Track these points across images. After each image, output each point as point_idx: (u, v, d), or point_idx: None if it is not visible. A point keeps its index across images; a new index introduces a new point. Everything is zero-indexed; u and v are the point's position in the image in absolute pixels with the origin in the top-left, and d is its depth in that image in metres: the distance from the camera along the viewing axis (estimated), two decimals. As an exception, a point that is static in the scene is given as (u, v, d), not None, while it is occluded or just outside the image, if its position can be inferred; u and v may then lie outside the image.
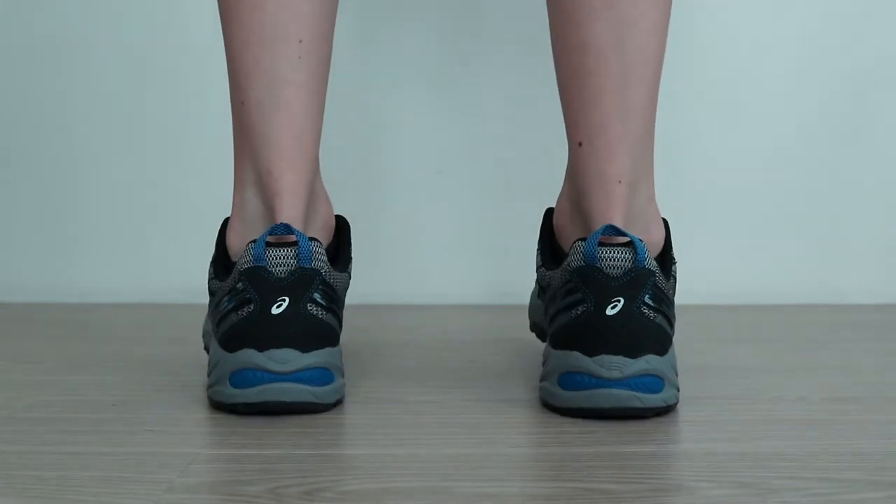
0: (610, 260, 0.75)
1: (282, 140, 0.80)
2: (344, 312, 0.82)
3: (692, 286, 1.27)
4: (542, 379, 0.78)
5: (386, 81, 1.32)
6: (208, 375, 0.79)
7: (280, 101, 0.80)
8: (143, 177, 1.34)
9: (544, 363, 0.79)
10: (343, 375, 0.79)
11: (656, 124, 0.82)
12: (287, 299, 0.76)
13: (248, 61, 0.80)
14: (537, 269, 0.85)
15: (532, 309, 0.93)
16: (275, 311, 0.76)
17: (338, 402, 0.78)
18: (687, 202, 1.32)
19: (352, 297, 0.87)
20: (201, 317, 0.96)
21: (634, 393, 0.73)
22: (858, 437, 0.71)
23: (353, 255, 0.87)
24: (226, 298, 0.78)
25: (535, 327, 0.93)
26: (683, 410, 0.77)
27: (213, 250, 0.88)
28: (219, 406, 0.77)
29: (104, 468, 0.64)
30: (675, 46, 1.30)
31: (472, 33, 1.33)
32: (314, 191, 0.84)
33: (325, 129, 0.87)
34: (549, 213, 0.86)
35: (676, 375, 0.76)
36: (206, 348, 0.88)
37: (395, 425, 0.74)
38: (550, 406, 0.76)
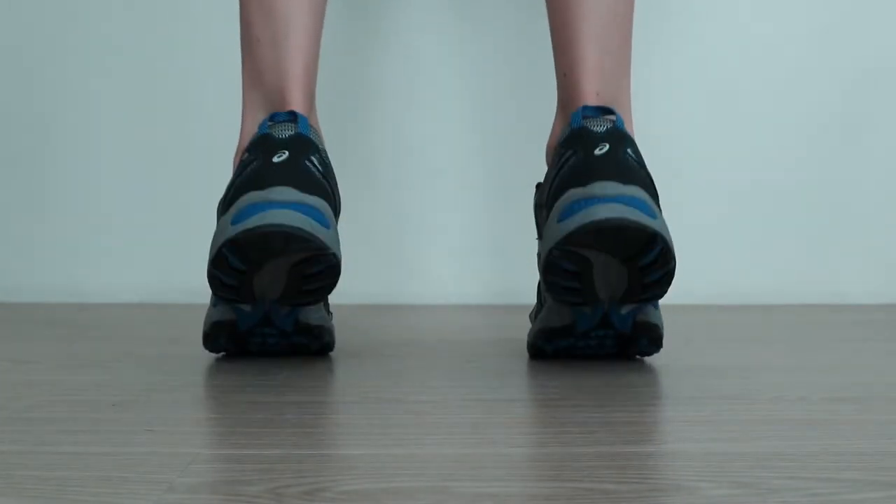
0: (593, 124, 0.82)
1: (293, 70, 0.90)
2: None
3: (692, 286, 1.27)
4: (543, 236, 0.82)
5: (386, 81, 1.32)
6: (210, 247, 0.82)
7: (291, 38, 0.91)
8: (143, 177, 1.34)
9: (546, 232, 0.82)
10: (339, 246, 0.82)
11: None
12: (287, 152, 0.81)
13: (265, 6, 0.91)
14: (535, 203, 0.90)
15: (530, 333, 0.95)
16: (276, 160, 0.80)
17: (335, 258, 0.80)
18: (687, 202, 1.32)
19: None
20: (201, 317, 0.96)
21: (629, 207, 0.75)
22: (858, 437, 0.71)
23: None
24: (232, 179, 0.83)
25: (531, 348, 0.94)
26: (683, 410, 0.77)
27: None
28: (219, 253, 0.78)
29: (104, 468, 0.64)
30: (676, 47, 1.31)
31: (473, 33, 1.33)
32: (311, 117, 0.92)
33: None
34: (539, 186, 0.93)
35: (670, 239, 0.80)
36: (207, 336, 0.89)
37: (395, 425, 0.74)
38: (553, 249, 0.78)
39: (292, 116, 0.86)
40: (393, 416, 0.77)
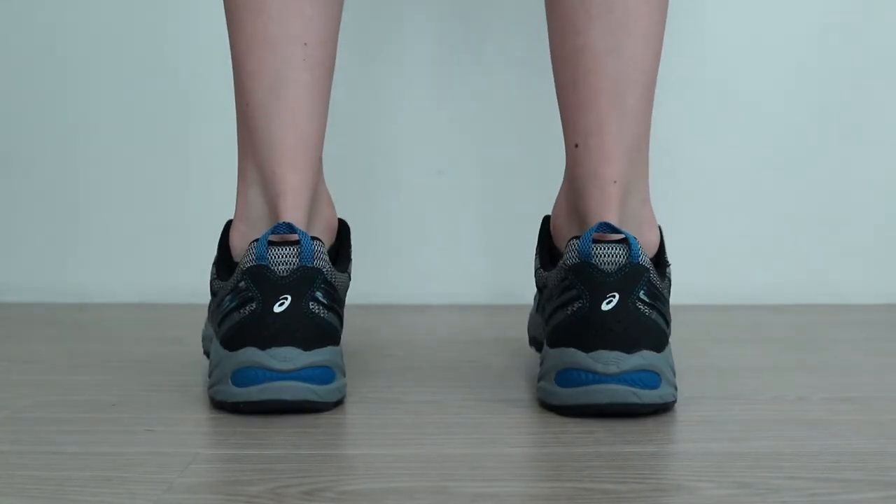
0: (604, 256, 0.76)
1: (285, 141, 0.81)
2: (344, 313, 0.82)
3: (692, 286, 1.27)
4: (540, 378, 0.78)
5: (386, 81, 1.32)
6: (209, 376, 0.79)
7: (284, 103, 0.80)
8: (143, 177, 1.34)
9: (542, 363, 0.79)
10: (344, 375, 0.79)
11: (657, 125, 0.83)
12: (289, 297, 0.76)
13: (253, 64, 0.81)
14: (535, 272, 0.86)
15: (531, 324, 0.94)
16: (277, 309, 0.76)
17: (339, 402, 0.78)
18: (687, 202, 1.32)
19: (352, 297, 0.87)
20: (201, 317, 0.96)
21: (631, 388, 0.73)
22: (858, 437, 0.71)
23: (353, 256, 0.87)
24: (228, 297, 0.78)
25: (533, 342, 0.93)
26: (683, 410, 0.77)
27: (213, 250, 0.88)
28: (221, 405, 0.77)
29: (104, 468, 0.64)
30: (676, 46, 1.30)
31: (473, 33, 1.33)
32: (317, 192, 0.84)
33: (327, 130, 0.87)
34: (547, 220, 0.87)
35: (674, 375, 0.77)
36: (206, 352, 0.88)
37: (395, 425, 0.74)
38: (549, 405, 0.77)
39: (291, 230, 0.78)
40: (393, 416, 0.77)
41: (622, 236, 0.76)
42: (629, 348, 0.74)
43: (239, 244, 0.83)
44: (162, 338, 1.09)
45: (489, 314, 1.25)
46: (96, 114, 1.33)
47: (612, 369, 0.73)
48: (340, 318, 0.80)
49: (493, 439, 0.71)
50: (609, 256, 0.76)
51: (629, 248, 0.76)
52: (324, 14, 0.82)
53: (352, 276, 0.86)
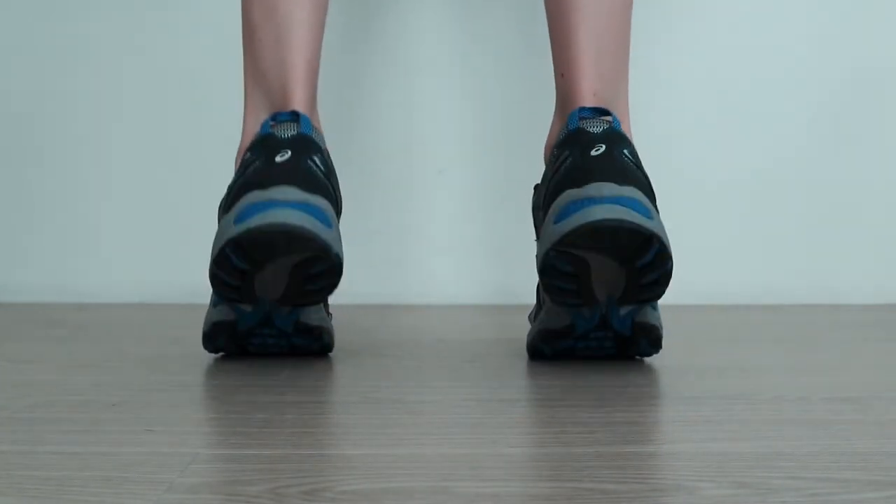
0: (590, 124, 0.83)
1: (295, 67, 0.91)
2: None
3: (692, 286, 1.27)
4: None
5: (387, 81, 1.32)
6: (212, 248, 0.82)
7: (293, 36, 0.92)
8: (142, 177, 1.34)
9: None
10: (341, 245, 0.81)
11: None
12: (290, 152, 0.81)
13: (267, 6, 0.93)
14: (532, 207, 0.89)
15: (530, 334, 0.94)
16: (278, 159, 0.79)
17: (337, 258, 0.80)
18: (687, 202, 1.32)
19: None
20: (202, 317, 0.96)
21: (625, 208, 0.74)
22: (858, 437, 0.71)
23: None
24: (234, 180, 0.83)
25: (530, 349, 0.94)
26: (683, 410, 0.77)
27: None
28: (222, 252, 0.78)
29: (104, 468, 0.64)
30: (676, 46, 1.31)
31: (473, 33, 1.33)
32: (313, 117, 0.92)
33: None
34: (536, 188, 0.93)
35: (668, 240, 0.80)
36: (205, 335, 0.89)
37: (395, 425, 0.74)
38: (553, 247, 0.78)
39: (294, 116, 0.86)
40: (393, 416, 0.77)
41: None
42: (620, 182, 0.78)
43: None
44: (162, 338, 1.09)
45: (489, 314, 1.25)
46: (96, 114, 1.33)
47: (606, 193, 0.77)
48: (337, 198, 0.84)
49: (493, 439, 0.71)
50: (595, 124, 0.82)
51: (612, 121, 0.83)
52: None
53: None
